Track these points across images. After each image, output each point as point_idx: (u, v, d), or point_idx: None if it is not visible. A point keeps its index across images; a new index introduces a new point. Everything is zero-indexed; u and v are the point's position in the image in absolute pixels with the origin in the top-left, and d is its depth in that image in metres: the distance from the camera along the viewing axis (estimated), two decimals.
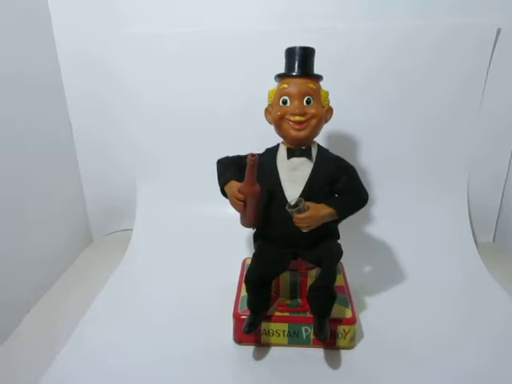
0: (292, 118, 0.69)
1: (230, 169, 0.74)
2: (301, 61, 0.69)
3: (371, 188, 1.11)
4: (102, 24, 1.02)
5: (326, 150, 0.75)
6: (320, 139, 0.75)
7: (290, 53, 0.71)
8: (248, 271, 0.73)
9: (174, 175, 1.15)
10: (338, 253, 0.73)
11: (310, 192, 0.70)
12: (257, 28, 1.01)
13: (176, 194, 1.15)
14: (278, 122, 0.71)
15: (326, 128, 0.76)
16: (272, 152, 0.75)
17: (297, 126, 0.69)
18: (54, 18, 1.00)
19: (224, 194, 0.74)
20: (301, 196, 0.69)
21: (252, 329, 0.70)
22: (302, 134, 0.69)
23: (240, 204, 0.69)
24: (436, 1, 0.98)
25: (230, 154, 0.77)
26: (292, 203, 0.67)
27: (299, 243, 0.72)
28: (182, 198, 1.15)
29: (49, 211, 0.98)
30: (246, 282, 0.72)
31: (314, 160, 0.72)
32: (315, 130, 0.71)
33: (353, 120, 1.04)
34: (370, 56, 1.01)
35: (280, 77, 0.72)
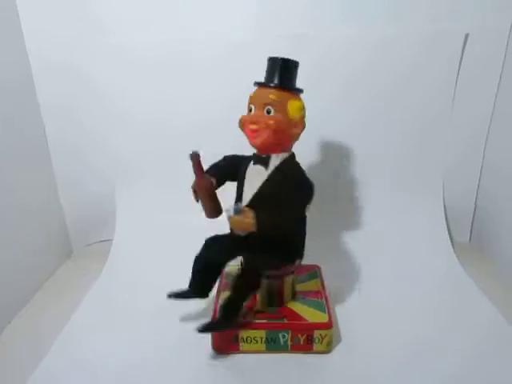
0: (249, 126, 0.70)
1: (212, 167, 0.79)
2: (268, 71, 0.71)
3: (351, 191, 1.13)
4: (75, 31, 1.01)
5: (294, 164, 0.73)
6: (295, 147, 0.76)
7: (268, 62, 0.72)
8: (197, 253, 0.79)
9: (155, 183, 1.15)
10: (259, 266, 0.74)
11: (258, 201, 0.71)
12: (232, 37, 1.02)
13: (156, 203, 1.15)
14: (242, 129, 0.73)
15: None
16: (252, 156, 0.76)
17: (252, 134, 0.71)
18: (24, 23, 0.98)
19: None
20: (249, 203, 0.71)
21: (173, 297, 0.80)
22: (257, 141, 0.70)
23: (194, 195, 0.76)
24: (407, 8, 1.00)
25: (210, 163, 0.79)
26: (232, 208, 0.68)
27: (241, 243, 0.73)
28: (162, 207, 1.15)
29: (25, 222, 0.97)
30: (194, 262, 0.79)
31: (269, 171, 0.71)
32: (270, 140, 0.69)
33: (330, 127, 1.06)
34: (344, 64, 1.03)
35: (254, 85, 0.74)
